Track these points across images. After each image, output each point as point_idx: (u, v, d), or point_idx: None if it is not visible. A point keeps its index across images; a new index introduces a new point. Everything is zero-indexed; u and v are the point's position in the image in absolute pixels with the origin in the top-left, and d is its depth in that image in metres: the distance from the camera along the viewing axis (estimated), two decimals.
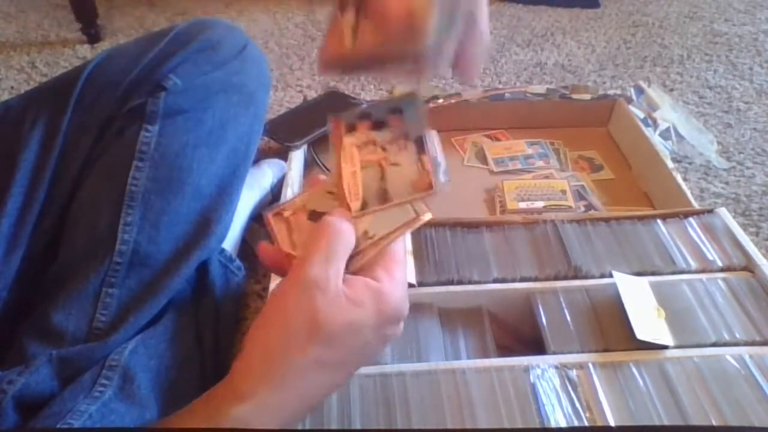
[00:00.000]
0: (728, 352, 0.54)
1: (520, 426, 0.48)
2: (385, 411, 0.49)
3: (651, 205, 0.87)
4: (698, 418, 0.49)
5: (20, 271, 0.56)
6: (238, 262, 0.71)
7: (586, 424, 0.48)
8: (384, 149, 0.44)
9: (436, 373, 0.52)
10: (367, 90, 1.20)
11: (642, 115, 0.97)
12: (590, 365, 0.53)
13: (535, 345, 0.57)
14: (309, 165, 0.92)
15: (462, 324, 0.59)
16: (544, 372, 0.52)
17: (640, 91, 1.03)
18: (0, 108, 0.61)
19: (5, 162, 0.57)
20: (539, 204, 0.83)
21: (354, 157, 0.44)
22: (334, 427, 0.48)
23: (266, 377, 0.38)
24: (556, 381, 0.52)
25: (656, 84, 1.19)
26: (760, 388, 0.51)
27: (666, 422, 0.49)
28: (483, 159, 0.96)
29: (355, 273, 0.40)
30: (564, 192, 0.85)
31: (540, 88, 1.02)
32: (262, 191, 0.84)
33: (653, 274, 0.62)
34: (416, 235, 0.66)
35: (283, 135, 0.91)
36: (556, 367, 0.53)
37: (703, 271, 0.63)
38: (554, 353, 0.54)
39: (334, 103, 1.03)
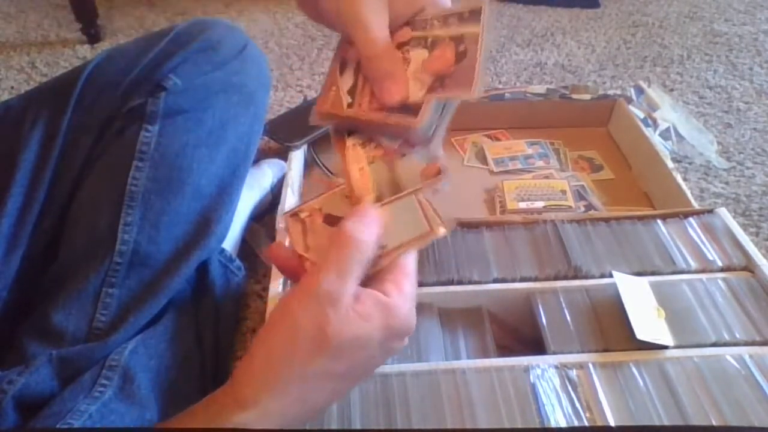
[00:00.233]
0: (728, 352, 0.54)
1: (520, 426, 0.48)
2: (385, 411, 0.49)
3: (651, 205, 0.87)
4: (698, 418, 0.49)
5: (20, 271, 0.56)
6: (238, 262, 0.71)
7: (586, 424, 0.48)
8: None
9: (436, 373, 0.52)
10: None
11: (642, 115, 0.97)
12: (590, 365, 0.53)
13: (535, 345, 0.57)
14: (309, 165, 0.92)
15: (462, 324, 0.59)
16: (544, 372, 0.52)
17: (640, 91, 1.03)
18: (0, 108, 0.61)
19: (5, 162, 0.57)
20: (539, 204, 0.83)
21: (359, 155, 0.44)
22: (334, 427, 0.48)
23: (269, 385, 0.38)
24: (556, 381, 0.52)
25: (656, 84, 1.19)
26: (760, 388, 0.51)
27: (666, 422, 0.49)
28: (483, 159, 0.96)
29: (363, 282, 0.40)
30: (564, 192, 0.85)
31: (540, 88, 1.02)
32: (262, 191, 0.84)
33: (653, 274, 0.62)
34: None
35: (283, 135, 0.91)
36: (556, 367, 0.53)
37: (703, 271, 0.63)
38: (554, 353, 0.54)
39: None
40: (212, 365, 0.61)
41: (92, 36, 1.38)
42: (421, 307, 0.59)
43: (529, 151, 0.97)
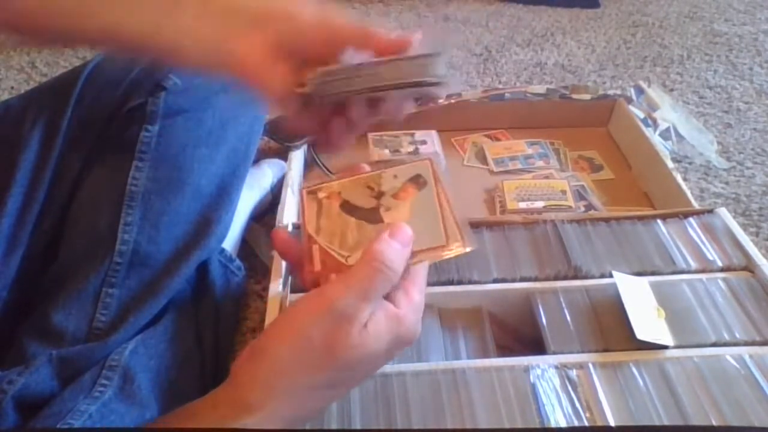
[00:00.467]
0: (728, 352, 0.54)
1: (520, 426, 0.48)
2: (385, 411, 0.49)
3: (651, 205, 0.87)
4: (698, 418, 0.49)
5: (20, 271, 0.56)
6: (238, 262, 0.71)
7: (586, 424, 0.48)
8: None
9: (436, 373, 0.52)
10: None
11: (642, 115, 0.97)
12: (590, 365, 0.53)
13: (535, 345, 0.57)
14: (309, 165, 0.92)
15: (462, 324, 0.59)
16: (544, 372, 0.52)
17: (640, 91, 1.03)
18: (0, 108, 0.61)
19: (5, 162, 0.57)
20: (539, 204, 0.83)
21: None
22: (334, 427, 0.48)
23: (275, 392, 0.38)
24: (556, 381, 0.52)
25: (656, 84, 1.19)
26: (760, 388, 0.51)
27: (666, 422, 0.49)
28: (483, 159, 0.96)
29: None
30: (564, 192, 0.85)
31: (540, 88, 1.02)
32: (262, 191, 0.84)
33: (653, 274, 0.62)
34: None
35: (283, 135, 0.91)
36: (556, 367, 0.53)
37: (703, 271, 0.63)
38: (554, 353, 0.54)
39: None
40: (212, 365, 0.61)
41: None
42: None
43: (529, 151, 0.97)
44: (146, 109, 0.60)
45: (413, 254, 0.40)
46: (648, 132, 0.92)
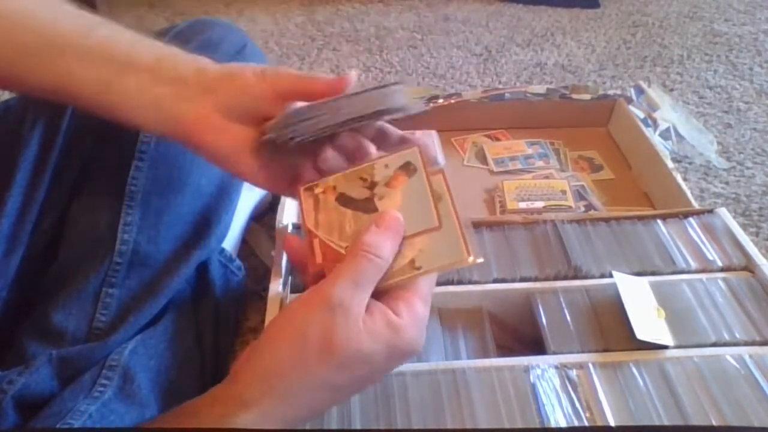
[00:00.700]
0: (728, 352, 0.54)
1: (520, 426, 0.48)
2: (385, 411, 0.49)
3: (651, 205, 0.87)
4: (698, 418, 0.49)
5: (20, 271, 0.56)
6: (238, 262, 0.71)
7: (586, 424, 0.48)
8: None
9: (436, 373, 0.52)
10: None
11: (642, 115, 0.97)
12: (590, 365, 0.53)
13: (535, 345, 0.57)
14: None
15: (462, 324, 0.59)
16: (544, 372, 0.52)
17: (640, 91, 1.03)
18: (0, 108, 0.61)
19: (5, 162, 0.57)
20: (539, 204, 0.83)
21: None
22: (334, 427, 0.48)
23: (273, 388, 0.38)
24: (556, 381, 0.52)
25: (656, 84, 1.19)
26: (760, 388, 0.51)
27: (666, 422, 0.49)
28: (483, 159, 0.96)
29: (377, 295, 0.40)
30: (564, 192, 0.85)
31: (540, 88, 1.02)
32: (262, 191, 0.84)
33: (653, 274, 0.62)
34: None
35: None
36: (556, 367, 0.53)
37: (703, 271, 0.63)
38: (554, 353, 0.54)
39: None
40: (212, 365, 0.61)
41: None
42: None
43: (529, 151, 0.97)
44: None
45: (407, 239, 0.42)
46: (648, 132, 0.92)
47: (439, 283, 0.61)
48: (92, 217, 0.59)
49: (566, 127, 1.02)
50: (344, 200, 0.44)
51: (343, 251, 0.43)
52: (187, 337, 0.60)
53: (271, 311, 0.57)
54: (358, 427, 0.48)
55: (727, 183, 0.93)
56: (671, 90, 1.19)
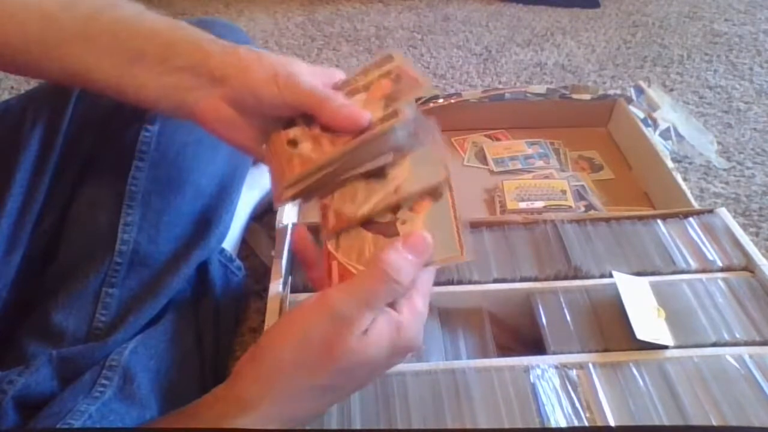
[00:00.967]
0: (728, 352, 0.54)
1: (520, 426, 0.48)
2: (385, 411, 0.49)
3: (651, 205, 0.87)
4: (698, 418, 0.49)
5: (20, 271, 0.56)
6: (238, 262, 0.71)
7: (586, 424, 0.48)
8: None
9: (436, 373, 0.52)
10: None
11: (642, 115, 0.97)
12: (590, 365, 0.53)
13: (535, 345, 0.57)
14: None
15: (462, 324, 0.59)
16: (544, 372, 0.52)
17: (640, 91, 1.03)
18: (0, 108, 0.61)
19: (5, 162, 0.57)
20: (539, 204, 0.83)
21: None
22: (334, 426, 0.48)
23: (272, 392, 0.38)
24: (556, 381, 0.52)
25: (656, 84, 1.19)
26: (760, 388, 0.51)
27: (666, 422, 0.49)
28: (483, 159, 0.96)
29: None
30: (564, 192, 0.85)
31: (540, 88, 1.02)
32: (262, 191, 0.84)
33: (653, 274, 0.62)
34: None
35: None
36: (556, 367, 0.53)
37: (703, 271, 0.63)
38: (554, 353, 0.54)
39: None
40: (212, 365, 0.61)
41: None
42: None
43: (529, 151, 0.97)
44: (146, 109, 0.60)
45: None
46: (648, 132, 0.92)
47: (439, 283, 0.61)
48: (92, 217, 0.59)
49: (566, 127, 1.02)
50: (366, 223, 0.43)
51: None
52: (187, 337, 0.60)
53: (271, 311, 0.57)
54: (358, 427, 0.48)
55: (727, 183, 0.93)
56: (671, 90, 1.19)
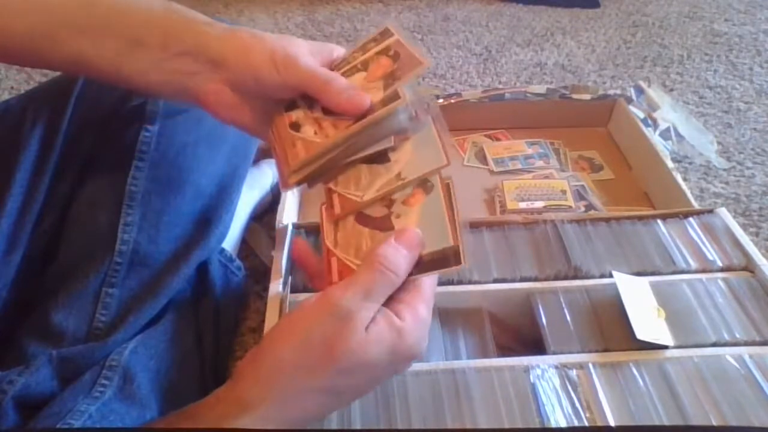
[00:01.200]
0: (728, 352, 0.54)
1: (520, 426, 0.48)
2: (385, 411, 0.49)
3: (651, 205, 0.87)
4: (698, 418, 0.49)
5: (20, 271, 0.56)
6: (238, 262, 0.71)
7: (586, 424, 0.48)
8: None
9: (436, 373, 0.52)
10: None
11: (642, 115, 0.97)
12: (590, 365, 0.53)
13: (535, 345, 0.57)
14: None
15: (462, 324, 0.59)
16: (544, 372, 0.52)
17: (640, 91, 1.03)
18: (0, 108, 0.61)
19: (5, 162, 0.57)
20: (539, 204, 0.83)
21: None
22: (334, 426, 0.48)
23: (273, 391, 0.38)
24: (556, 381, 0.52)
25: (656, 84, 1.19)
26: (760, 388, 0.51)
27: (666, 422, 0.49)
28: (483, 159, 0.96)
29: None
30: (564, 192, 0.85)
31: (540, 88, 1.02)
32: (262, 191, 0.84)
33: (653, 274, 0.62)
34: None
35: None
36: (556, 367, 0.53)
37: (703, 271, 0.63)
38: (554, 353, 0.54)
39: None
40: (212, 365, 0.61)
41: None
42: None
43: (529, 151, 0.97)
44: (146, 109, 0.60)
45: (421, 258, 0.41)
46: (648, 132, 0.92)
47: (439, 283, 0.61)
48: (92, 217, 0.59)
49: (566, 127, 1.02)
50: (363, 219, 0.44)
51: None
52: (187, 337, 0.60)
53: (271, 311, 0.57)
54: (358, 427, 0.48)
55: (727, 183, 0.93)
56: (671, 90, 1.19)
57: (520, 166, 0.94)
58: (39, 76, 1.25)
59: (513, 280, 0.62)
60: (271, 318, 0.56)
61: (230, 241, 0.71)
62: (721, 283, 0.61)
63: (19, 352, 0.53)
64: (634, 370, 0.52)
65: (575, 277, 0.62)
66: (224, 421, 0.37)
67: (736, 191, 0.92)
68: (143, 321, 0.57)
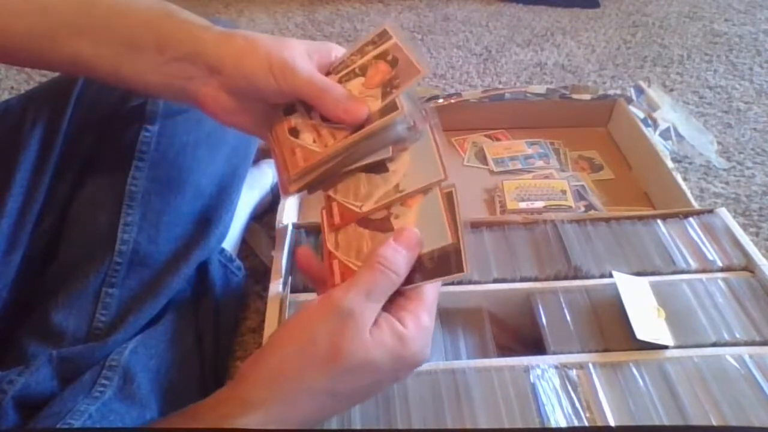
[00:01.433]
0: (728, 352, 0.54)
1: (520, 426, 0.48)
2: (385, 411, 0.49)
3: (651, 205, 0.87)
4: (698, 418, 0.49)
5: (20, 271, 0.56)
6: (238, 262, 0.71)
7: (586, 424, 0.48)
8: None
9: (436, 373, 0.52)
10: None
11: (642, 115, 0.97)
12: (590, 365, 0.53)
13: (535, 345, 0.57)
14: None
15: (462, 324, 0.59)
16: (544, 372, 0.52)
17: (640, 91, 1.03)
18: (0, 108, 0.61)
19: (5, 162, 0.57)
20: (539, 204, 0.83)
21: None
22: (334, 427, 0.48)
23: (276, 392, 0.38)
24: (556, 381, 0.52)
25: (656, 84, 1.19)
26: (760, 388, 0.51)
27: (666, 422, 0.49)
28: (483, 159, 0.96)
29: (386, 302, 0.41)
30: (564, 192, 0.85)
31: (540, 88, 1.02)
32: (262, 191, 0.84)
33: (653, 274, 0.62)
34: None
35: None
36: (556, 367, 0.53)
37: (703, 271, 0.63)
38: (554, 353, 0.54)
39: None
40: (212, 365, 0.61)
41: None
42: None
43: (529, 151, 0.97)
44: (146, 109, 0.60)
45: (423, 265, 0.41)
46: (648, 132, 0.92)
47: None
48: (92, 217, 0.59)
49: (566, 127, 1.02)
50: (363, 221, 0.44)
51: None
52: (187, 337, 0.60)
53: (271, 311, 0.57)
54: (358, 427, 0.48)
55: (727, 183, 0.93)
56: (671, 90, 1.19)
57: (520, 166, 0.94)
58: (39, 76, 1.25)
59: (513, 280, 0.62)
60: (271, 318, 0.56)
61: (230, 241, 0.71)
62: (721, 283, 0.61)
63: (19, 352, 0.53)
64: (634, 370, 0.52)
65: (575, 277, 0.62)
66: (226, 421, 0.37)
67: (736, 191, 0.92)
68: (143, 321, 0.57)
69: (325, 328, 0.38)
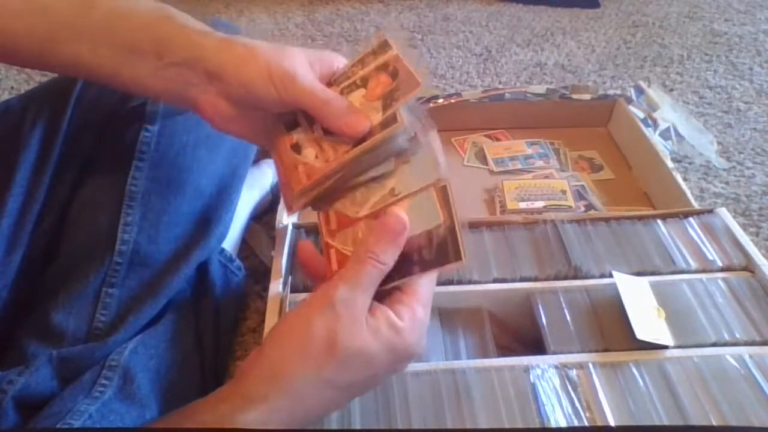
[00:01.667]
0: (728, 352, 0.54)
1: (520, 426, 0.48)
2: (385, 411, 0.49)
3: (651, 205, 0.87)
4: (698, 418, 0.49)
5: (20, 271, 0.56)
6: (238, 262, 0.71)
7: (586, 424, 0.48)
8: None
9: (436, 373, 0.52)
10: None
11: (642, 115, 0.97)
12: (590, 365, 0.53)
13: (535, 345, 0.57)
14: None
15: (462, 324, 0.59)
16: (544, 372, 0.52)
17: (640, 91, 1.03)
18: (0, 108, 0.61)
19: (5, 162, 0.57)
20: (539, 204, 0.83)
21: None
22: (334, 427, 0.48)
23: (277, 386, 0.39)
24: (556, 381, 0.52)
25: (656, 84, 1.19)
26: (760, 388, 0.51)
27: (666, 422, 0.49)
28: (483, 159, 0.96)
29: (379, 297, 0.41)
30: (564, 192, 0.85)
31: (540, 88, 1.02)
32: (262, 191, 0.84)
33: (653, 274, 0.62)
34: None
35: None
36: (556, 367, 0.53)
37: (703, 271, 0.63)
38: (554, 353, 0.54)
39: None
40: (212, 365, 0.61)
41: None
42: None
43: (529, 151, 0.97)
44: (146, 109, 0.60)
45: (422, 256, 0.41)
46: (648, 132, 0.92)
47: (439, 283, 0.61)
48: (92, 217, 0.59)
49: (566, 127, 1.02)
50: None
51: None
52: (187, 337, 0.60)
53: (271, 311, 0.57)
54: (358, 427, 0.48)
55: (727, 183, 0.93)
56: (671, 90, 1.19)
57: (520, 166, 0.94)
58: (39, 76, 1.25)
59: (513, 280, 0.62)
60: (271, 318, 0.56)
61: (230, 241, 0.71)
62: (721, 283, 0.61)
63: (19, 352, 0.53)
64: (634, 370, 0.52)
65: (575, 277, 0.62)
66: (228, 418, 0.37)
67: (736, 191, 0.92)
68: (143, 321, 0.57)
69: (320, 321, 0.39)
